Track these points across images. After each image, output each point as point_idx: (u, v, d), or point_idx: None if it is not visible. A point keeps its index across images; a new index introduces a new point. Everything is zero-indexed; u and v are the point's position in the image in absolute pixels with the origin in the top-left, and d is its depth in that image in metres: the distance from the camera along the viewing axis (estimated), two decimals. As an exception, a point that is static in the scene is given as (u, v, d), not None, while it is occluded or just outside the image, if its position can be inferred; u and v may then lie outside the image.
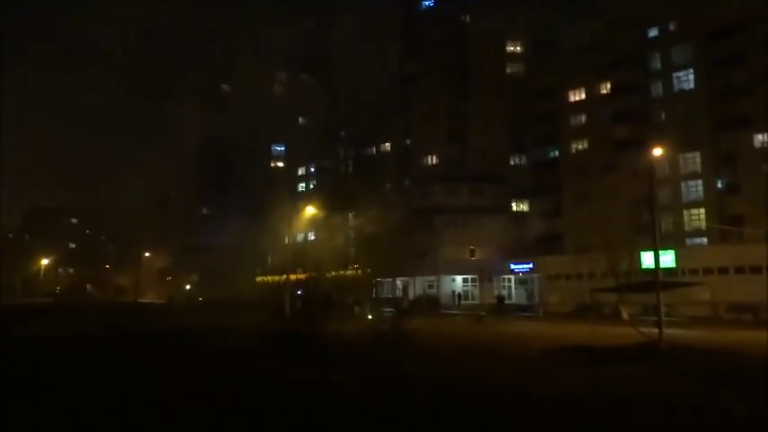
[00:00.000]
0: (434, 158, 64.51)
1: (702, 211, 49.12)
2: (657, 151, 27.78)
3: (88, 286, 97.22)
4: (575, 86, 57.99)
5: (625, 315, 31.93)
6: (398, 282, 61.07)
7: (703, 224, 48.64)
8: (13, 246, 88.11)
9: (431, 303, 52.76)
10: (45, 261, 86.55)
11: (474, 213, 59.07)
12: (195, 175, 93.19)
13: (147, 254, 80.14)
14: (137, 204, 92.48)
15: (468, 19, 66.14)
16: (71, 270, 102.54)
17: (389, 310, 37.80)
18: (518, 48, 66.70)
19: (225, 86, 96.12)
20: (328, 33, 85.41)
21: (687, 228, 49.69)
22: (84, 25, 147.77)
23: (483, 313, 35.11)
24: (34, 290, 78.47)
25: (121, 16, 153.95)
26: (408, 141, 67.78)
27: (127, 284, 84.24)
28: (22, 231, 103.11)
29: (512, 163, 63.22)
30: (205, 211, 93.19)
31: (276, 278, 59.98)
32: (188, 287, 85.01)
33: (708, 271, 40.75)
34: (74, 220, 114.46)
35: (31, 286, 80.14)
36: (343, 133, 78.74)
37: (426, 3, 67.68)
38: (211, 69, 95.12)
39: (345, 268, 60.32)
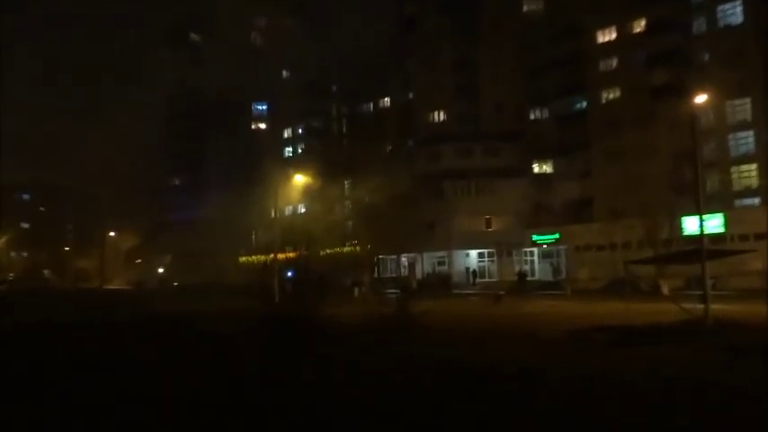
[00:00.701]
0: (442, 114, 64.06)
1: (754, 166, 48.97)
2: (701, 98, 27.51)
3: (45, 272, 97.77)
4: (604, 25, 57.23)
5: (665, 290, 32.11)
6: (404, 259, 61.37)
7: (755, 182, 48.55)
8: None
9: (442, 282, 53.12)
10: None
11: (489, 177, 58.97)
12: (165, 140, 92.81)
13: (112, 233, 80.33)
14: (100, 177, 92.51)
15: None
16: (25, 254, 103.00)
17: (394, 291, 38.10)
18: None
19: (196, 36, 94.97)
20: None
21: (736, 186, 49.63)
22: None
23: (502, 292, 35.30)
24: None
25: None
26: (411, 95, 67.19)
27: (90, 268, 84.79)
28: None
29: (532, 117, 62.75)
30: (177, 181, 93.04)
31: (262, 257, 60.48)
32: (161, 270, 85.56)
33: (760, 236, 40.78)
34: (25, 197, 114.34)
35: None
36: (335, 88, 78.07)
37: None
38: (182, 16, 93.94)
39: (342, 245, 60.59)
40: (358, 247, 59.98)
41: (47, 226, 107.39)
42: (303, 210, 68.20)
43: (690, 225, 41.82)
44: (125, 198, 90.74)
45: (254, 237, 75.36)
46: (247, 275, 51.55)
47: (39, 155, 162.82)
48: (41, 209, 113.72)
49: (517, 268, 55.79)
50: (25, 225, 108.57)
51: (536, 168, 62.04)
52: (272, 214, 46.71)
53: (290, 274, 54.43)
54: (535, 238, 58.37)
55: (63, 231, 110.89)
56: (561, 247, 56.70)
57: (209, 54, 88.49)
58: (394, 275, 59.49)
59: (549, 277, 55.08)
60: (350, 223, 66.21)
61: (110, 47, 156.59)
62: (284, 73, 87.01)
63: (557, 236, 56.63)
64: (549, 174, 61.22)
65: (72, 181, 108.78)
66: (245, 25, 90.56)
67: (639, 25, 55.32)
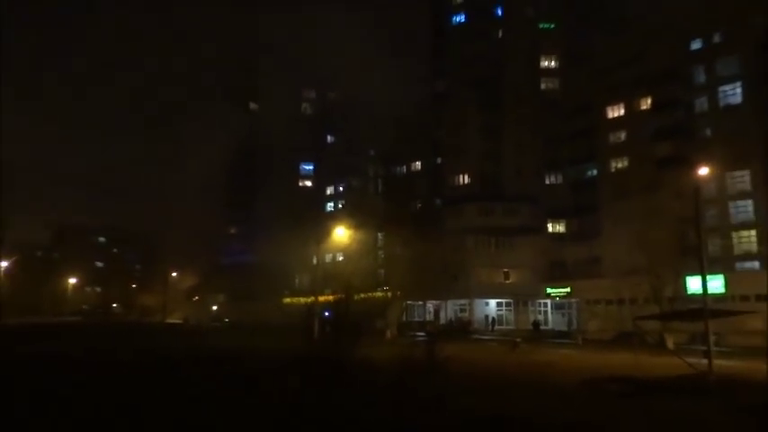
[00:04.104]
0: (466, 177, 64.32)
1: (753, 233, 47.76)
2: (703, 170, 27.20)
3: (114, 305, 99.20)
4: (613, 102, 57.43)
5: (670, 344, 31.13)
6: (429, 305, 60.80)
7: (754, 247, 47.26)
8: (41, 264, 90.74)
9: (462, 328, 52.40)
10: (73, 280, 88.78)
11: (508, 234, 58.64)
12: (222, 192, 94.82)
13: (174, 273, 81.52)
14: (164, 222, 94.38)
15: (500, 34, 66.29)
16: (98, 289, 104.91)
17: (420, 334, 37.68)
18: (552, 63, 66.47)
19: (254, 105, 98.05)
20: (357, 49, 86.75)
21: (736, 251, 48.35)
22: (110, 34, 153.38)
23: (518, 339, 34.65)
24: (63, 308, 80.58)
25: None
26: (439, 160, 67.88)
27: (153, 304, 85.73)
28: (51, 249, 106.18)
29: (547, 182, 62.61)
30: (233, 230, 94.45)
31: (304, 300, 60.54)
32: (214, 308, 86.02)
33: (760, 297, 39.47)
34: (101, 239, 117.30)
35: (59, 304, 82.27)
36: (372, 152, 79.32)
37: (457, 18, 68.10)
38: (240, 85, 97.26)
39: (374, 290, 60.33)
40: (389, 293, 59.62)
41: (118, 265, 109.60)
42: (341, 258, 68.43)
43: (693, 284, 40.75)
44: (187, 242, 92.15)
45: (297, 280, 75.60)
46: (290, 316, 51.49)
47: (115, 202, 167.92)
48: (114, 250, 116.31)
49: (532, 318, 54.82)
50: (99, 264, 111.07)
51: (550, 227, 61.47)
52: (314, 261, 46.93)
53: (327, 314, 54.22)
54: (549, 290, 57.41)
55: (131, 270, 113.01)
56: (573, 300, 55.60)
57: (265, 119, 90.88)
58: (420, 320, 58.78)
59: (562, 327, 53.87)
60: (382, 271, 66.10)
61: (176, 101, 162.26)
62: (329, 138, 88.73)
63: (568, 289, 55.61)
64: (563, 233, 60.61)
65: (140, 224, 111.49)
66: (296, 96, 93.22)
67: (646, 103, 55.30)
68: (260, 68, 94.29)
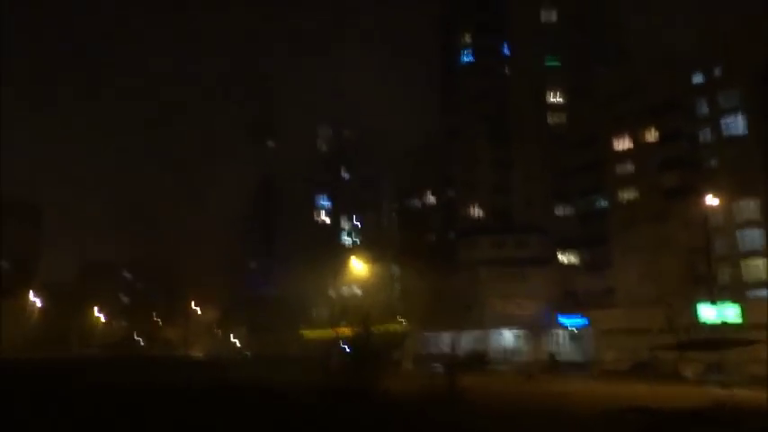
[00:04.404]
0: (478, 210, 64.28)
1: (762, 261, 46.84)
2: (712, 200, 26.92)
3: (139, 339, 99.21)
4: (619, 134, 57.29)
5: (689, 373, 30.31)
6: (445, 336, 60.08)
7: (763, 274, 46.25)
8: (70, 299, 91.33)
9: (479, 358, 51.62)
10: (99, 314, 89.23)
11: (520, 265, 58.07)
12: (242, 227, 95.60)
13: (196, 308, 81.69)
14: (188, 256, 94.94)
15: (507, 71, 67.03)
16: (124, 323, 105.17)
17: (437, 365, 37.13)
18: (559, 98, 66.81)
19: (272, 143, 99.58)
20: (370, 87, 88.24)
21: (746, 279, 47.33)
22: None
23: (534, 371, 33.95)
24: (91, 341, 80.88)
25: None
26: (452, 193, 67.97)
27: (176, 338, 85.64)
28: (78, 285, 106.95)
29: (557, 213, 62.32)
30: (253, 264, 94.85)
31: (322, 332, 60.16)
32: (235, 340, 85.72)
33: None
34: (127, 275, 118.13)
35: (86, 338, 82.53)
36: (386, 185, 79.70)
37: (466, 57, 69.08)
38: (258, 124, 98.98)
39: (391, 322, 59.83)
40: (405, 324, 59.04)
41: (142, 300, 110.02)
42: (358, 291, 68.11)
43: (704, 312, 39.89)
44: (208, 275, 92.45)
45: (314, 313, 75.35)
46: (307, 348, 51.17)
47: (139, 237, 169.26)
48: (138, 285, 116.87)
49: (547, 348, 53.83)
50: (125, 299, 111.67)
51: (562, 258, 60.80)
52: (331, 294, 46.73)
53: (345, 346, 53.67)
54: (563, 320, 56.46)
55: (155, 304, 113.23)
56: (588, 330, 54.50)
57: (283, 157, 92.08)
58: (437, 351, 57.94)
59: (577, 358, 52.76)
60: (398, 303, 65.65)
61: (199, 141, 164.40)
62: (345, 175, 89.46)
63: (581, 320, 54.52)
64: (574, 264, 59.93)
65: (163, 260, 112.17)
66: (312, 133, 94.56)
67: (651, 135, 55.00)
68: (275, 101, 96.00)
